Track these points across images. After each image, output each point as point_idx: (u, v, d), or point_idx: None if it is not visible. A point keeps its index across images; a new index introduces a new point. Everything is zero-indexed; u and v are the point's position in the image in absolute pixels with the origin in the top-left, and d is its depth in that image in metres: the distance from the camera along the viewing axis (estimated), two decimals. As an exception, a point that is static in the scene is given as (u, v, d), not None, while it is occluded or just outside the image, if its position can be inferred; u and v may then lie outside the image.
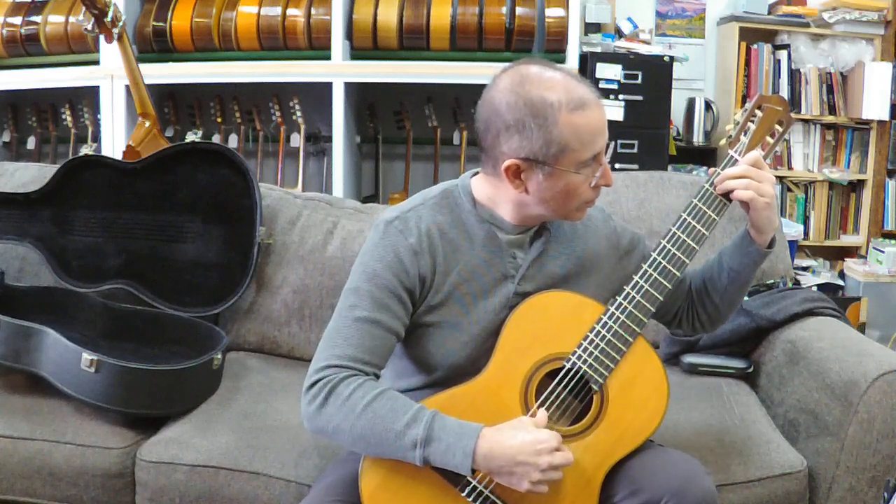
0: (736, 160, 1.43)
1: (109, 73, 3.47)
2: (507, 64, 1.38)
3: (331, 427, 1.31)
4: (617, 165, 3.44)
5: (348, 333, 1.35)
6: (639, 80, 3.55)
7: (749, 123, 1.44)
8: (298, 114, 3.72)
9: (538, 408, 1.35)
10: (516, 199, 1.39)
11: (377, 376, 1.37)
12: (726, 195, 1.42)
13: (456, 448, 1.26)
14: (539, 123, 1.30)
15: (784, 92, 3.87)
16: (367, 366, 1.35)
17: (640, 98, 3.55)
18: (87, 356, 1.73)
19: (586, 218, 1.51)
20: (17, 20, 3.63)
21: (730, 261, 1.51)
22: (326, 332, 1.39)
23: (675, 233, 1.41)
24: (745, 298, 2.07)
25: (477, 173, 1.47)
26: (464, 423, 1.29)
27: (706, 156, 3.98)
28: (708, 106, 3.92)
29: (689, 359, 2.06)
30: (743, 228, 1.48)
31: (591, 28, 3.85)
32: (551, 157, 1.31)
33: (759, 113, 1.45)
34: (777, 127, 1.45)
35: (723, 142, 1.47)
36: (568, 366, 1.36)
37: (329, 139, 3.66)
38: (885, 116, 3.83)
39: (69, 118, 3.84)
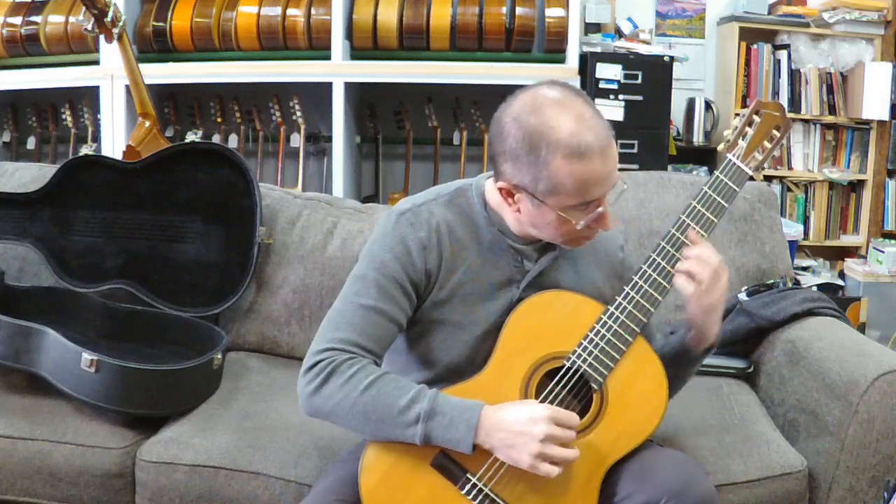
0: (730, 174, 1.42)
1: (109, 73, 3.47)
2: (529, 86, 1.33)
3: (329, 405, 1.32)
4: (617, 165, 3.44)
5: (352, 319, 1.36)
6: (639, 80, 3.55)
7: (747, 128, 1.45)
8: (298, 114, 3.71)
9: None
10: (514, 215, 1.40)
11: (377, 364, 1.37)
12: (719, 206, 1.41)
13: (459, 421, 1.27)
14: (531, 161, 1.29)
15: (784, 92, 3.87)
16: (369, 353, 1.35)
17: (639, 98, 3.55)
18: (87, 356, 1.73)
19: (605, 239, 1.49)
20: (17, 20, 3.62)
21: (667, 339, 1.50)
22: (329, 314, 1.39)
23: (672, 233, 1.41)
24: (745, 299, 2.07)
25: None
26: (466, 400, 1.31)
27: (706, 156, 3.98)
28: (708, 106, 3.91)
29: (689, 359, 2.05)
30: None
31: (591, 28, 3.85)
32: (539, 193, 1.31)
33: (756, 118, 1.46)
34: (775, 132, 1.46)
35: (721, 146, 1.47)
36: (568, 364, 1.37)
37: (329, 139, 3.66)
38: (885, 116, 3.83)
39: (69, 118, 3.84)
